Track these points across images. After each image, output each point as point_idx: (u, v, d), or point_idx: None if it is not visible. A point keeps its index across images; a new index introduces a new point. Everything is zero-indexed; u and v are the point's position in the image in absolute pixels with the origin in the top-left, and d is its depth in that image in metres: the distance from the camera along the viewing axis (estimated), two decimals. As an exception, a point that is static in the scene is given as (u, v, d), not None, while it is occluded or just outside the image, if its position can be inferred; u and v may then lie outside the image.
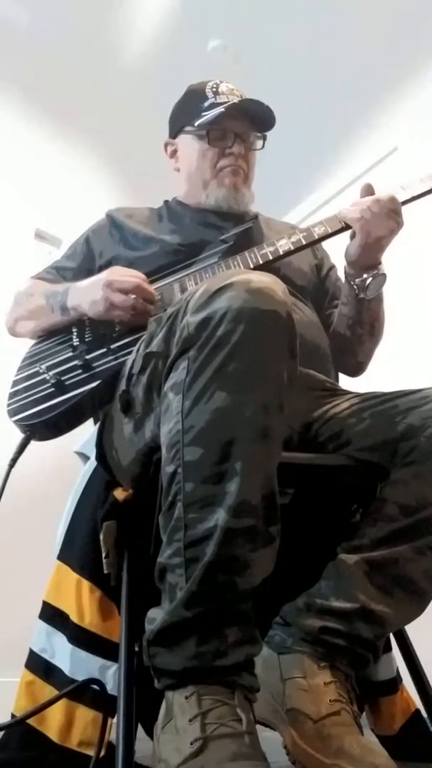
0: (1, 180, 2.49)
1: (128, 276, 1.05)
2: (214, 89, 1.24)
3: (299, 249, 1.09)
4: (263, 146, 1.27)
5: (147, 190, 1.74)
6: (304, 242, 1.09)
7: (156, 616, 0.67)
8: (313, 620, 0.80)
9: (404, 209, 1.09)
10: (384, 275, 1.11)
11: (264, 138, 1.26)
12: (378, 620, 0.79)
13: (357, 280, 1.11)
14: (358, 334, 1.19)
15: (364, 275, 1.10)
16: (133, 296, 1.02)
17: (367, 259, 1.09)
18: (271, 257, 1.08)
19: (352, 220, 1.07)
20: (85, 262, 1.26)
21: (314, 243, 1.11)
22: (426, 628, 0.96)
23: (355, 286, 1.12)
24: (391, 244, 1.10)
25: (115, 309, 1.03)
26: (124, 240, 1.23)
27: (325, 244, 1.35)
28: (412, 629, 0.92)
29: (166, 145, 1.34)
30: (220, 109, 1.17)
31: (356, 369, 1.26)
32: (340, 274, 1.32)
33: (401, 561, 0.79)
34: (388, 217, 1.05)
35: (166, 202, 1.35)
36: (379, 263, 1.11)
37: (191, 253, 1.14)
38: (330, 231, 1.09)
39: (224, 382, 0.66)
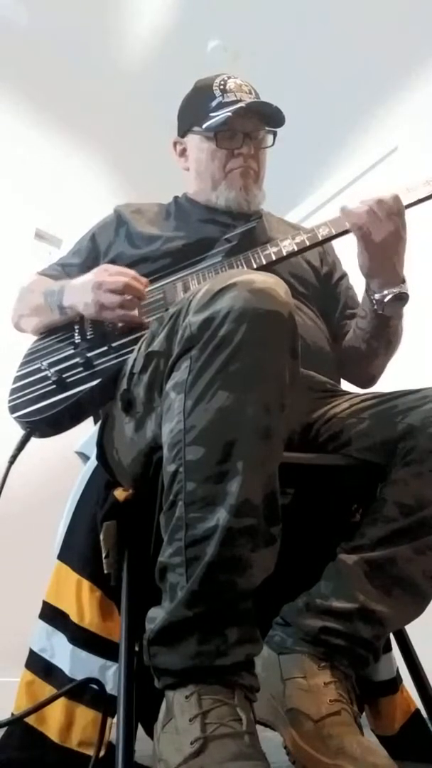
0: (2, 180, 2.49)
1: (117, 275, 1.04)
2: (222, 86, 1.21)
3: (303, 250, 1.09)
4: (273, 143, 1.25)
5: (147, 190, 1.74)
6: (308, 243, 1.08)
7: (156, 616, 0.67)
8: (313, 620, 0.80)
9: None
10: (405, 294, 1.07)
11: (274, 134, 1.23)
12: (378, 620, 0.79)
13: (377, 295, 1.07)
14: (373, 348, 1.16)
15: (385, 291, 1.06)
16: (121, 296, 1.02)
17: (378, 268, 1.06)
18: (274, 258, 1.07)
19: (350, 224, 1.05)
20: (89, 259, 1.25)
21: (318, 244, 1.10)
22: (426, 628, 0.96)
23: (374, 301, 1.08)
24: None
25: (106, 309, 1.03)
26: (129, 237, 1.22)
27: (338, 251, 1.34)
28: (412, 629, 0.92)
29: (175, 144, 1.33)
30: (227, 113, 1.15)
31: (368, 382, 1.24)
32: (352, 281, 1.31)
33: (401, 561, 0.79)
34: (388, 219, 1.02)
35: (176, 198, 1.34)
36: (402, 279, 1.07)
37: (195, 252, 1.13)
38: (334, 232, 1.08)
39: (226, 382, 0.66)
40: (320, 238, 1.09)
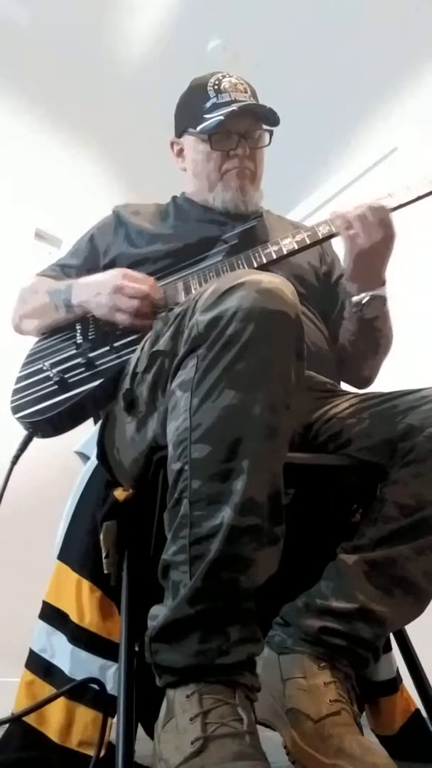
0: (1, 180, 2.49)
1: (139, 282, 1.04)
2: (216, 86, 1.20)
3: (304, 248, 1.08)
4: (270, 142, 1.24)
5: (147, 190, 1.74)
6: (308, 242, 1.08)
7: (159, 613, 0.67)
8: (312, 620, 0.80)
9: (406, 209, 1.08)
10: (383, 297, 1.07)
11: (271, 133, 1.23)
12: (378, 620, 0.79)
13: (354, 298, 1.08)
14: (360, 350, 1.16)
15: (363, 294, 1.07)
16: (140, 302, 1.02)
17: (361, 274, 1.06)
18: (275, 257, 1.07)
19: (339, 228, 1.05)
20: (88, 260, 1.25)
21: (319, 242, 1.10)
22: (426, 628, 0.96)
23: (353, 305, 1.08)
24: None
25: (120, 312, 1.03)
26: (129, 238, 1.22)
27: (337, 250, 1.33)
28: (412, 629, 0.92)
29: (172, 144, 1.32)
30: (219, 117, 1.15)
31: (363, 383, 1.24)
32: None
33: (401, 561, 0.79)
34: (377, 227, 1.02)
35: (174, 198, 1.34)
36: (383, 282, 1.08)
37: (195, 251, 1.13)
38: (334, 230, 1.08)
39: (233, 381, 0.66)
40: (320, 236, 1.08)
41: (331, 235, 1.09)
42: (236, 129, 1.19)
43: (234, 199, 1.21)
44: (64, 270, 1.26)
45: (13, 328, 1.25)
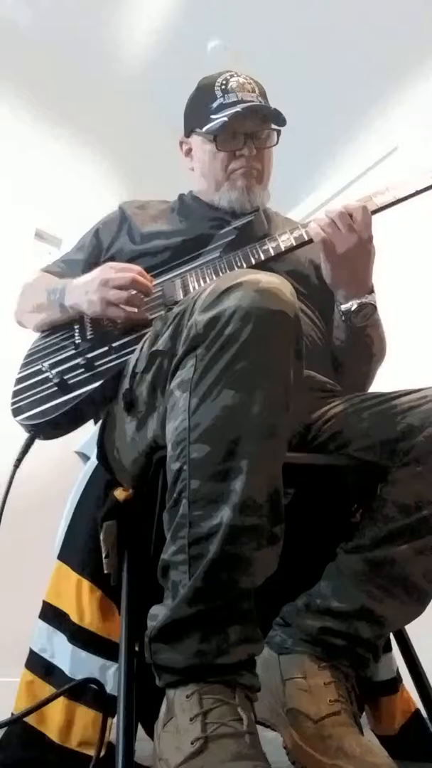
0: (1, 180, 2.49)
1: (123, 271, 1.04)
2: (223, 86, 1.20)
3: (302, 245, 1.07)
4: (278, 141, 1.23)
5: (147, 190, 1.74)
6: (306, 238, 1.07)
7: (158, 613, 0.67)
8: (312, 620, 0.81)
9: (404, 205, 1.07)
10: (372, 306, 1.05)
11: (278, 132, 1.22)
12: (378, 620, 0.80)
13: (343, 306, 1.06)
14: (353, 358, 1.15)
15: (352, 301, 1.05)
16: (128, 291, 1.02)
17: (341, 279, 1.05)
18: (273, 253, 1.06)
19: (315, 236, 1.03)
20: (92, 255, 1.25)
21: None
22: (426, 628, 0.96)
23: (341, 313, 1.07)
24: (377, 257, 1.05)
25: (111, 306, 1.03)
26: (130, 234, 1.23)
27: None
28: (412, 629, 0.92)
29: (181, 143, 1.32)
30: (224, 118, 1.15)
31: (359, 388, 1.22)
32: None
33: (401, 561, 0.79)
34: (350, 232, 1.00)
35: (181, 196, 1.34)
36: (370, 289, 1.06)
37: (194, 248, 1.13)
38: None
39: (232, 381, 0.66)
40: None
41: None
42: (242, 129, 1.18)
43: (240, 198, 1.20)
44: (69, 265, 1.26)
45: (16, 322, 1.27)
